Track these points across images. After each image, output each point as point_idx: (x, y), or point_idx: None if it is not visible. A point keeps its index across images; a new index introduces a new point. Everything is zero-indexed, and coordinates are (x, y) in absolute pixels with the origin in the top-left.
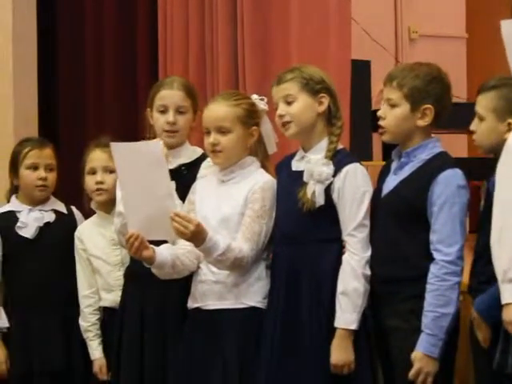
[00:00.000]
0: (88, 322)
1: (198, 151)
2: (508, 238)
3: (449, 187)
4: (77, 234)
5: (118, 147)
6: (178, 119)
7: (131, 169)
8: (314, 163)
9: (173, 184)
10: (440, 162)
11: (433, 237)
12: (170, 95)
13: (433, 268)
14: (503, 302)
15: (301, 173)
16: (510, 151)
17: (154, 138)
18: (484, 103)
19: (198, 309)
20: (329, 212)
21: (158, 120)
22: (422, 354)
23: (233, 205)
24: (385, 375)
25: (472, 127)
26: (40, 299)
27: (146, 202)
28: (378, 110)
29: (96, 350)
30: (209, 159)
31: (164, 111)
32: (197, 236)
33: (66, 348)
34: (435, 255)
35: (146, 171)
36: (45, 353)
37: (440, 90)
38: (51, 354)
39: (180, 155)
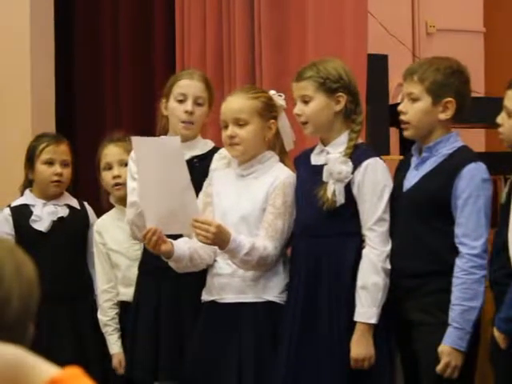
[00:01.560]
0: (107, 317)
1: (210, 144)
2: None
3: (473, 181)
4: (96, 228)
5: (138, 141)
6: (196, 110)
7: (150, 163)
8: (332, 162)
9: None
10: (463, 156)
11: (458, 230)
12: (190, 85)
13: (459, 261)
14: None
15: (320, 167)
16: None
17: (165, 129)
18: (506, 100)
19: (213, 302)
20: (349, 206)
21: (176, 109)
22: (450, 348)
23: (253, 200)
24: (406, 369)
25: (498, 120)
26: (50, 292)
27: (165, 197)
28: (395, 104)
29: (115, 345)
30: (220, 151)
31: (183, 100)
32: (220, 238)
33: (75, 341)
34: (461, 249)
35: (164, 166)
36: (53, 346)
37: (460, 83)
38: (59, 348)
39: (192, 147)
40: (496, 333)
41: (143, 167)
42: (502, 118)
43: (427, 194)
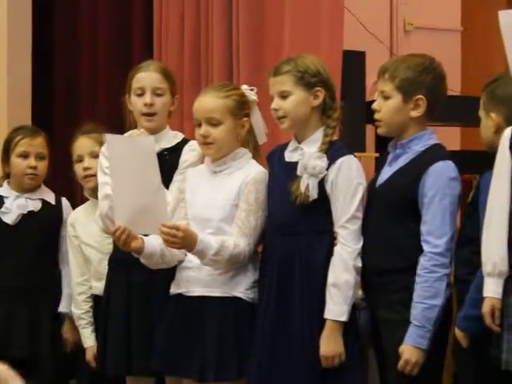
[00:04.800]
0: (81, 310)
1: (179, 136)
2: (497, 231)
3: (440, 179)
4: (69, 220)
5: (112, 139)
6: (156, 101)
7: (123, 162)
8: (307, 157)
9: None
10: (433, 154)
11: (423, 228)
12: (146, 77)
13: (422, 259)
14: (484, 294)
15: (294, 164)
16: (499, 148)
17: (134, 124)
18: (480, 102)
19: (180, 295)
20: (322, 203)
21: (136, 104)
22: (411, 346)
23: (226, 196)
24: (379, 365)
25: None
26: (11, 285)
27: (135, 196)
28: (371, 101)
29: (89, 338)
30: (191, 143)
31: (141, 94)
32: (187, 241)
33: (32, 335)
34: (424, 247)
35: (137, 165)
36: (8, 339)
37: (432, 80)
38: (14, 341)
39: (161, 140)
40: (457, 331)
41: (115, 165)
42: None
43: (396, 191)
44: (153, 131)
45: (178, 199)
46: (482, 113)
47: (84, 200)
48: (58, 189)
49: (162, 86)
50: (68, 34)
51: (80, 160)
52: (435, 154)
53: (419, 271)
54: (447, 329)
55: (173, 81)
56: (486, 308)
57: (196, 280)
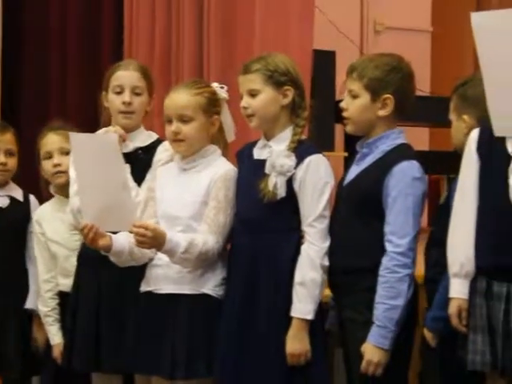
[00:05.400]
0: (47, 307)
1: (154, 135)
2: (464, 233)
3: (403, 179)
4: (35, 217)
5: (76, 137)
6: (134, 100)
7: (88, 160)
8: (276, 155)
9: (127, 167)
10: (398, 154)
11: (386, 228)
12: (125, 76)
13: (384, 259)
14: (451, 295)
15: (263, 161)
16: (465, 150)
17: (108, 121)
18: (451, 104)
19: (150, 292)
20: (289, 202)
21: (114, 101)
22: (372, 346)
23: (195, 193)
24: (346, 365)
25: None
26: None
27: (102, 194)
28: (341, 100)
29: (56, 335)
30: (165, 143)
31: (120, 92)
32: (156, 241)
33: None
34: (387, 246)
35: (102, 163)
36: None
37: (400, 79)
38: None
39: (136, 138)
40: (425, 332)
41: (80, 163)
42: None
43: (361, 191)
44: (128, 129)
45: (147, 198)
46: (453, 115)
47: (50, 197)
48: (22, 185)
49: (141, 85)
50: (37, 30)
51: (49, 156)
52: (400, 153)
53: (381, 271)
54: (412, 329)
55: (151, 81)
56: (452, 309)
57: (165, 277)
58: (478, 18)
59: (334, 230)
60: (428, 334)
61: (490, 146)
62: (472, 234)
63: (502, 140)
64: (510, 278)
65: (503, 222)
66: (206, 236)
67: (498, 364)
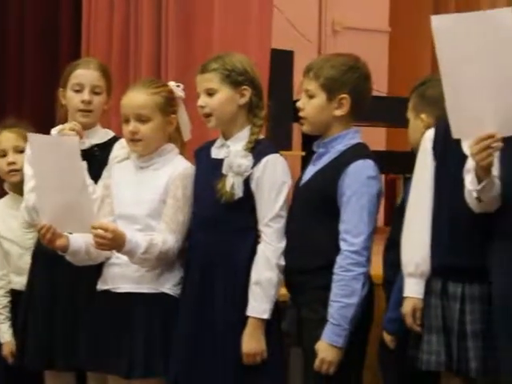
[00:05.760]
0: None
1: (110, 133)
2: (419, 232)
3: (358, 178)
4: None
5: (34, 138)
6: (93, 99)
7: (46, 161)
8: (233, 155)
9: (84, 164)
10: (353, 153)
11: (341, 227)
12: (86, 74)
13: (338, 258)
14: (405, 294)
15: (220, 161)
16: (420, 149)
17: (65, 117)
18: (408, 106)
19: (108, 291)
20: (247, 202)
21: (73, 99)
22: (326, 344)
23: (152, 192)
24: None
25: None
26: None
27: (60, 196)
28: (299, 100)
29: (6, 333)
30: (121, 141)
31: (79, 90)
32: (115, 242)
33: None
34: (341, 245)
35: (61, 164)
36: None
37: (356, 79)
38: None
39: (92, 136)
40: (384, 333)
41: (39, 165)
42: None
43: (317, 190)
44: (85, 126)
45: (103, 196)
46: (411, 114)
47: (3, 194)
48: None
49: (100, 84)
50: None
51: (3, 155)
52: (356, 153)
53: (336, 270)
54: (367, 328)
55: (110, 80)
56: (406, 308)
57: (123, 276)
58: (437, 21)
59: (290, 230)
60: (386, 336)
61: (445, 145)
62: (427, 233)
63: (457, 140)
64: (465, 279)
65: (458, 223)
66: (165, 235)
67: (453, 364)
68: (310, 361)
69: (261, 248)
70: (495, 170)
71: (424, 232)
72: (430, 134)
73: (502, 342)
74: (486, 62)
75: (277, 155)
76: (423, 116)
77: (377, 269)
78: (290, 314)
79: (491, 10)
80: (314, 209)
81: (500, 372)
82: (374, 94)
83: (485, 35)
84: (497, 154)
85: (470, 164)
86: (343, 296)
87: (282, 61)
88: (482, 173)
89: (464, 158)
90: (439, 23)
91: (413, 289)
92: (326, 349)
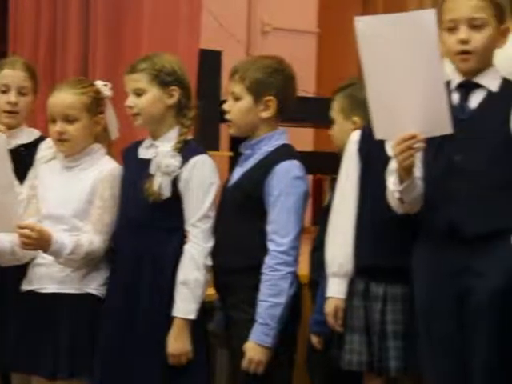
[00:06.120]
0: None
1: (36, 133)
2: (344, 233)
3: (285, 178)
4: None
5: None
6: (19, 100)
7: None
8: (161, 155)
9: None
10: (279, 154)
11: (269, 227)
12: (12, 75)
13: (266, 258)
14: (328, 295)
15: (148, 161)
16: (346, 151)
17: None
18: (333, 106)
19: (33, 291)
20: (174, 202)
21: None
22: (254, 343)
23: (79, 192)
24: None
25: (330, 131)
26: None
27: None
28: (225, 100)
29: None
30: (47, 140)
31: (5, 91)
32: (41, 242)
33: None
34: (269, 245)
35: None
36: None
37: (282, 81)
38: None
39: (18, 136)
40: (311, 335)
41: None
42: (332, 129)
43: (244, 191)
44: (11, 127)
45: (29, 196)
46: (338, 115)
47: None
48: None
49: (27, 85)
50: None
51: None
52: (282, 153)
53: (264, 270)
54: (295, 327)
55: (37, 80)
56: (329, 308)
57: (49, 276)
58: (361, 22)
59: (219, 230)
60: (314, 338)
61: (370, 147)
62: (351, 234)
63: (382, 142)
64: (387, 279)
65: (381, 224)
66: (92, 236)
67: (375, 364)
68: (238, 361)
69: (188, 248)
70: (417, 171)
71: (348, 233)
72: (356, 135)
73: (421, 341)
74: (409, 62)
75: (205, 156)
76: (355, 119)
77: (303, 269)
78: (218, 315)
79: (414, 11)
80: (241, 209)
81: (419, 371)
82: (302, 94)
83: (408, 36)
84: (419, 155)
85: (393, 165)
86: (271, 295)
87: (210, 61)
88: (404, 173)
89: (388, 159)
90: (363, 25)
91: (335, 289)
92: (254, 348)
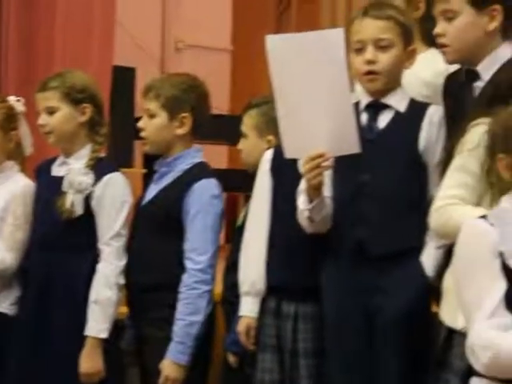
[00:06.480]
0: None
1: None
2: (256, 251)
3: (202, 197)
4: None
5: None
6: None
7: None
8: (74, 173)
9: None
10: (196, 172)
11: (186, 245)
12: None
13: (184, 277)
14: (240, 313)
15: (60, 178)
16: (260, 169)
17: None
18: (246, 121)
19: None
20: (87, 220)
21: None
22: (171, 362)
23: None
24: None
25: (239, 146)
26: None
27: None
28: (140, 117)
29: None
30: None
31: None
32: None
33: None
34: (187, 264)
35: None
36: None
37: (196, 98)
38: None
39: None
40: (228, 354)
41: None
42: (241, 143)
43: (160, 209)
44: None
45: None
46: (251, 132)
47: None
48: None
49: None
50: None
51: None
52: (198, 172)
53: (181, 288)
54: (210, 345)
55: None
56: (241, 327)
57: None
58: (271, 41)
59: (132, 248)
60: (230, 357)
61: (282, 166)
62: (263, 253)
63: (294, 161)
64: (298, 298)
65: (292, 243)
66: (3, 253)
67: (287, 382)
68: (153, 379)
69: (100, 267)
70: (327, 190)
71: (260, 251)
72: (269, 154)
73: (330, 359)
74: (317, 81)
75: (118, 173)
76: (270, 137)
77: (217, 287)
78: (128, 333)
79: (322, 30)
80: (157, 227)
81: None
82: (216, 112)
83: (316, 55)
84: (328, 174)
85: (304, 184)
86: (188, 314)
87: (124, 78)
88: (313, 192)
89: (300, 178)
90: (273, 43)
91: (248, 308)
92: (170, 366)
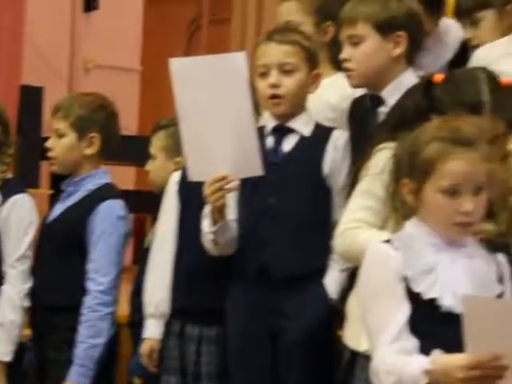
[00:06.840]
0: None
1: None
2: (161, 273)
3: (107, 218)
4: None
5: None
6: None
7: None
8: None
9: None
10: (102, 193)
11: (89, 266)
12: None
13: (86, 298)
14: (144, 336)
15: None
16: (167, 192)
17: None
18: (154, 143)
19: None
20: None
21: None
22: None
23: None
24: None
25: (147, 167)
26: None
27: None
28: (48, 137)
29: None
30: None
31: None
32: None
33: None
34: (89, 284)
35: None
36: None
37: (105, 118)
38: None
39: None
40: (133, 377)
41: None
42: (148, 164)
43: (64, 228)
44: None
45: None
46: (159, 153)
47: None
48: None
49: None
50: None
51: None
52: (105, 192)
53: (83, 310)
54: (112, 367)
55: None
56: (144, 349)
57: None
58: (175, 63)
59: (37, 269)
60: (136, 380)
61: (189, 189)
62: (168, 275)
63: (201, 184)
64: (202, 321)
65: (197, 266)
66: None
67: None
68: None
69: (5, 289)
70: (231, 213)
71: (165, 273)
72: (177, 176)
73: (234, 382)
74: (220, 104)
75: (24, 195)
76: (178, 159)
77: (123, 309)
78: (29, 355)
79: (225, 53)
80: (60, 247)
81: None
82: (124, 133)
83: (220, 78)
84: (233, 197)
85: (208, 207)
86: (89, 337)
87: (31, 97)
88: (217, 215)
89: (204, 202)
90: (177, 65)
91: (151, 330)
92: None
